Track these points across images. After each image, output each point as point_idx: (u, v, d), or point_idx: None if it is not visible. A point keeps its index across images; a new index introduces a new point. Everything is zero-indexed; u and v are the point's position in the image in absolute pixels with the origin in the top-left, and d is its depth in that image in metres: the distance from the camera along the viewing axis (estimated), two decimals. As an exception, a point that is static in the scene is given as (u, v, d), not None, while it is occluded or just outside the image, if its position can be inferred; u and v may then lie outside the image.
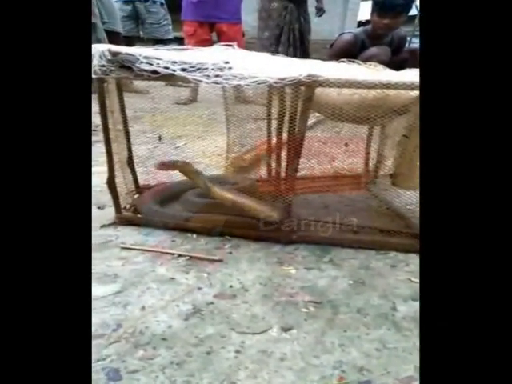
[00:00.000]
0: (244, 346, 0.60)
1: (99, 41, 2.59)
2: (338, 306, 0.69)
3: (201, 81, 0.75)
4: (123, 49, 0.79)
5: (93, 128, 1.88)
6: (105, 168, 1.35)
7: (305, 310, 0.68)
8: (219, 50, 0.92)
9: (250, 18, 2.89)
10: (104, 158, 1.46)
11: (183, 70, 0.75)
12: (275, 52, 2.80)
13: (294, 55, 2.75)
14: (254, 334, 0.63)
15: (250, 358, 0.58)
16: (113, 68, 0.77)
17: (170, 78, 0.77)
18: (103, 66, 0.77)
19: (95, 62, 0.78)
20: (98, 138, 1.74)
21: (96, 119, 2.18)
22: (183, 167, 0.87)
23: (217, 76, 0.76)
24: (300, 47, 2.90)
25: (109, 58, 0.76)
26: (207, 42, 2.57)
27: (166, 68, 0.75)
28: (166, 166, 0.86)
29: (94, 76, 0.79)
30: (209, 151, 1.48)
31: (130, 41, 2.97)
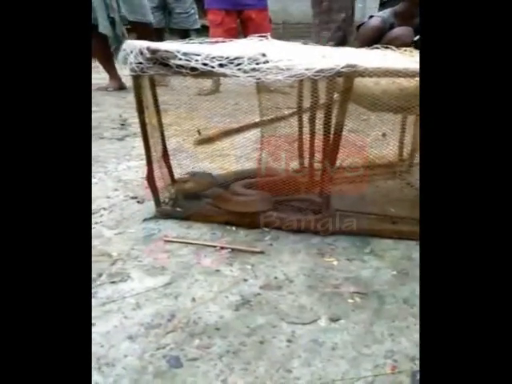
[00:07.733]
0: (295, 335, 0.62)
1: (117, 36, 2.49)
2: (384, 297, 0.70)
3: (239, 76, 0.75)
4: (162, 45, 0.79)
5: (121, 123, 1.93)
6: (139, 162, 1.39)
7: (351, 300, 0.69)
8: (254, 42, 0.92)
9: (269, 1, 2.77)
10: (136, 152, 1.51)
11: (221, 65, 0.75)
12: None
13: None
14: (303, 324, 0.64)
15: (302, 347, 0.60)
16: (150, 65, 0.78)
17: (208, 74, 0.78)
18: (140, 63, 0.77)
19: (132, 59, 0.79)
20: (126, 132, 1.79)
21: (125, 114, 2.20)
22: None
23: (253, 70, 0.75)
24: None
25: (148, 56, 0.77)
26: (234, 31, 2.50)
27: (205, 64, 0.75)
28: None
29: (131, 73, 0.81)
30: (237, 143, 1.49)
31: (159, 32, 2.90)
